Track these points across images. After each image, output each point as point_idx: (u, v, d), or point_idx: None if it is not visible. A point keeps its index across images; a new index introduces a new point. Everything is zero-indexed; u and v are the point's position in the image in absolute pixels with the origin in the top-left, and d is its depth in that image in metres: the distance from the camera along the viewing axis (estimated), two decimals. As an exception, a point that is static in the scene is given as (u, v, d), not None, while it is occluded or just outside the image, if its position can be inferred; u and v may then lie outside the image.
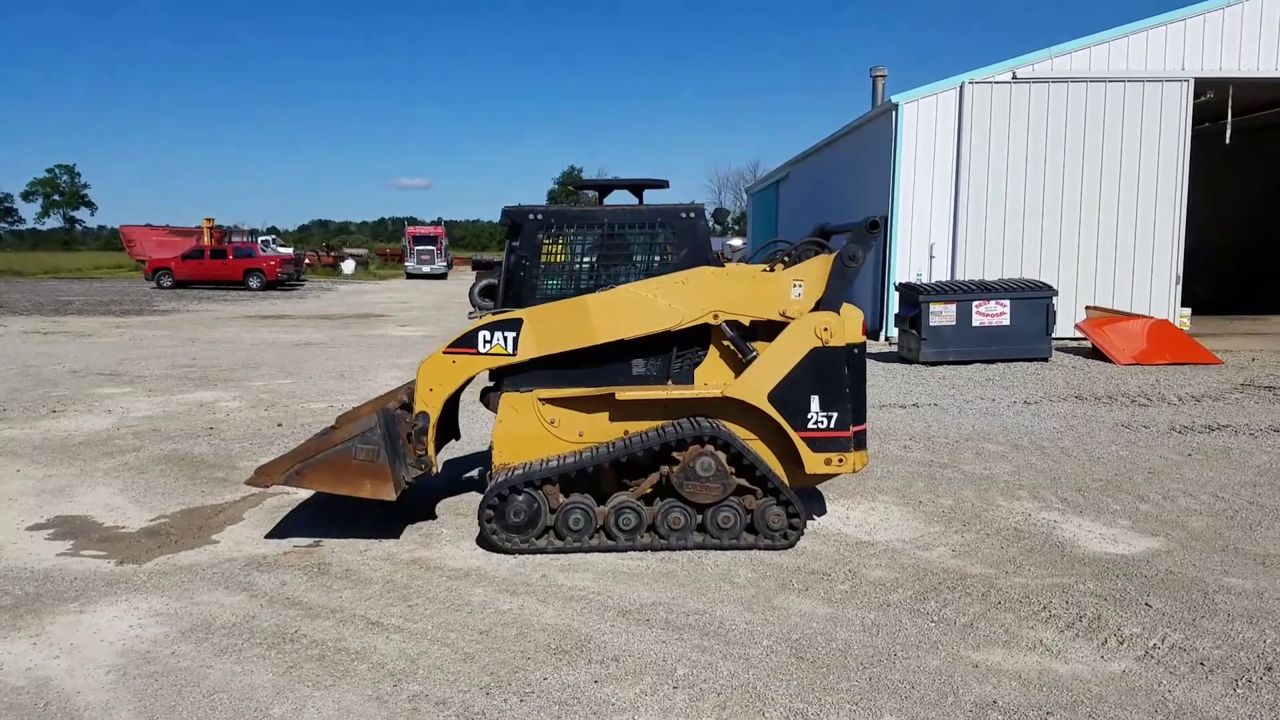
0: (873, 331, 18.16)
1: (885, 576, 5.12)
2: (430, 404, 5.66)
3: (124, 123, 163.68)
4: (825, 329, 5.50)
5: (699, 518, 5.49)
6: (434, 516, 6.16)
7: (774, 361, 5.53)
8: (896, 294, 15.35)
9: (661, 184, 6.36)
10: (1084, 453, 8.12)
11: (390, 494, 5.39)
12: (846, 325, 5.58)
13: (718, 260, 5.80)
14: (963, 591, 4.90)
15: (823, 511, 6.30)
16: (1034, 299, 14.12)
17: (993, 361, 13.97)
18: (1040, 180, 17.06)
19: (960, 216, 17.24)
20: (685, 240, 5.70)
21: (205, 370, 13.42)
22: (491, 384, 5.85)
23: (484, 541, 5.51)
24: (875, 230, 5.55)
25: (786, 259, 5.81)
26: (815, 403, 5.54)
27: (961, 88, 17.04)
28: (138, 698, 3.77)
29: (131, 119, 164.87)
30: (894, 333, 15.97)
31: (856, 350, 5.65)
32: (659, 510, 5.46)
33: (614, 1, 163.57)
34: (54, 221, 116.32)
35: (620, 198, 6.35)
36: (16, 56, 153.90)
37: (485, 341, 5.56)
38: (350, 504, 5.55)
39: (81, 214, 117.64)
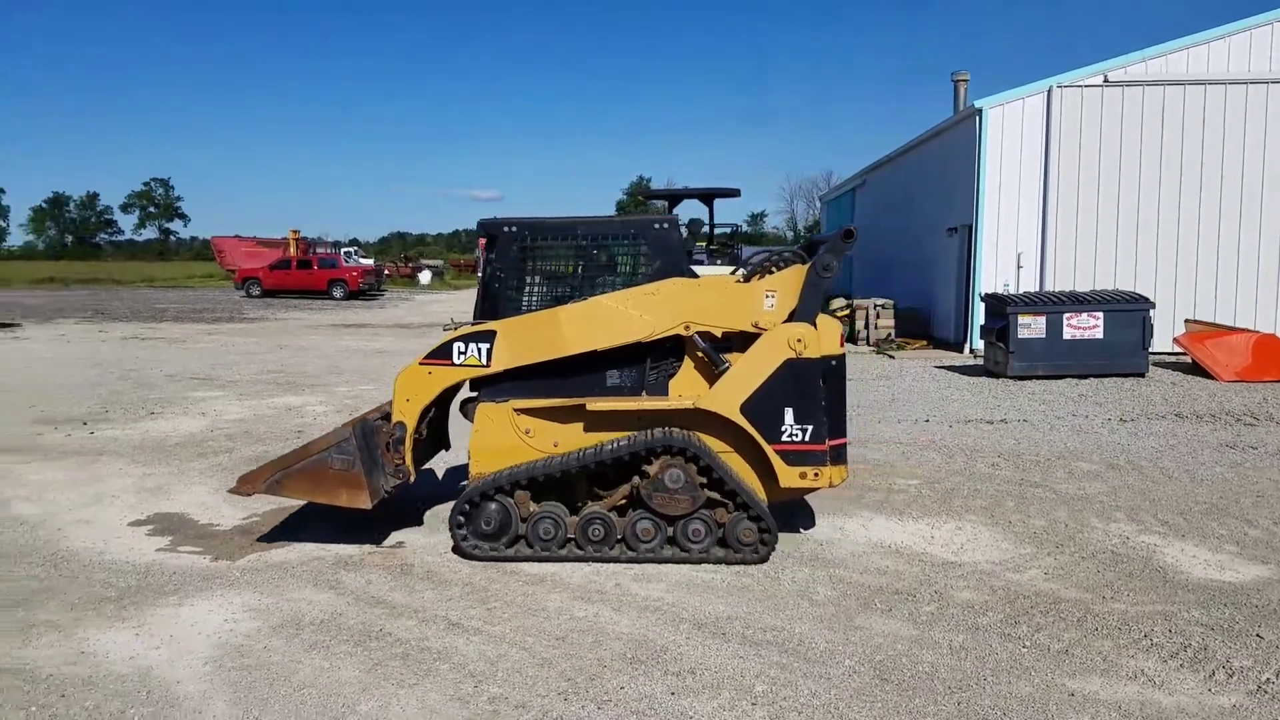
0: (957, 344, 17.79)
1: (974, 598, 4.97)
2: (407, 414, 5.73)
3: (215, 138, 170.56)
4: (799, 340, 5.40)
5: (670, 530, 5.44)
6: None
7: (746, 373, 5.46)
8: (982, 305, 14.98)
9: (733, 193, 6.31)
10: (1185, 474, 7.77)
11: (365, 503, 5.48)
12: (822, 337, 5.48)
13: (692, 272, 5.73)
14: (1057, 616, 4.72)
15: (811, 524, 6.19)
16: (1129, 311, 13.60)
17: (1085, 376, 13.52)
18: (1135, 188, 16.48)
19: (1049, 225, 16.75)
20: (659, 251, 5.67)
21: (292, 376, 13.84)
22: (473, 394, 5.89)
23: (457, 550, 5.54)
24: (850, 240, 5.44)
25: (774, 269, 5.73)
26: (789, 415, 5.45)
27: (1049, 92, 16.57)
28: (232, 689, 3.90)
29: (222, 135, 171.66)
30: (979, 345, 15.59)
31: (834, 362, 5.55)
32: (629, 521, 5.44)
33: (684, 9, 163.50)
34: (150, 232, 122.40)
35: (692, 207, 6.34)
36: (117, 75, 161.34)
37: (460, 353, 5.62)
38: (431, 507, 5.62)
39: (175, 225, 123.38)
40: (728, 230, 20.44)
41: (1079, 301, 13.76)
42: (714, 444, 5.55)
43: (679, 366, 5.66)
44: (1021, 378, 13.53)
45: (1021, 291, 15.84)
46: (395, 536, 5.95)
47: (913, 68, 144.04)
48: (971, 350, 16.93)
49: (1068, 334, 13.58)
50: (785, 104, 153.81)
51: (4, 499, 6.85)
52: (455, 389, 5.87)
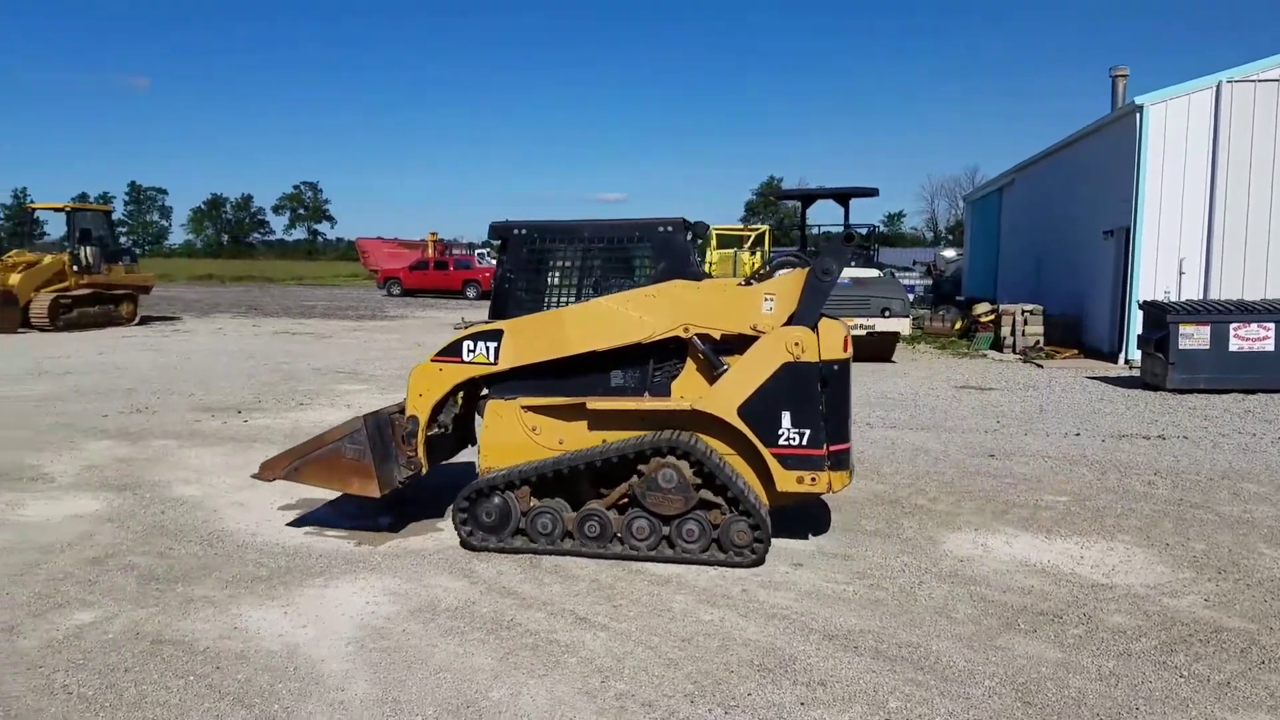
0: (1111, 353, 16.86)
1: (1126, 623, 4.67)
2: (419, 408, 5.86)
3: (362, 144, 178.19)
4: (796, 343, 5.27)
5: (665, 529, 5.39)
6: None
7: (744, 375, 5.36)
8: (1140, 313, 14.12)
9: (870, 192, 6.20)
10: (1367, 500, 7.11)
11: (374, 491, 5.65)
12: (823, 340, 5.34)
13: (696, 274, 5.65)
14: (1218, 646, 4.38)
15: (826, 529, 6.01)
16: (1304, 323, 12.56)
17: (1253, 391, 12.55)
18: (1313, 190, 15.21)
19: (1216, 229, 15.63)
20: (663, 254, 5.64)
21: (433, 370, 14.30)
22: (485, 392, 5.95)
23: (463, 543, 5.64)
24: (850, 243, 5.27)
25: (774, 273, 5.61)
26: (787, 419, 5.33)
27: (1218, 87, 15.47)
28: (373, 669, 4.05)
29: (368, 140, 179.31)
30: (1136, 355, 14.72)
31: (836, 367, 5.38)
32: (626, 519, 5.42)
33: (816, 6, 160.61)
34: (299, 233, 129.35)
35: (827, 208, 6.26)
36: (272, 84, 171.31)
37: (469, 351, 5.73)
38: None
39: (323, 226, 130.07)
40: (864, 231, 20.05)
41: (1248, 311, 12.81)
42: (718, 446, 5.53)
43: (681, 368, 5.65)
44: (1182, 391, 12.67)
45: (1183, 299, 14.84)
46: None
47: (1067, 64, 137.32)
48: (1127, 361, 15.99)
49: (1234, 345, 12.65)
50: (927, 100, 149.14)
51: (167, 481, 7.34)
52: (479, 386, 5.98)
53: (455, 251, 47.02)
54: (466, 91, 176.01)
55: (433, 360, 5.88)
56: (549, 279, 5.88)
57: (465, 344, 5.77)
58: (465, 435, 6.71)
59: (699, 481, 5.38)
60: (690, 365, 5.63)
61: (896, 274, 24.05)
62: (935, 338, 21.24)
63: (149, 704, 3.74)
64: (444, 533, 5.97)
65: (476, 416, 6.21)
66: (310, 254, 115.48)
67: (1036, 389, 13.28)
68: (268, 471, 5.94)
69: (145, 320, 23.65)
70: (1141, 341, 13.75)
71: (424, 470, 6.00)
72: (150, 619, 4.59)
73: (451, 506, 5.76)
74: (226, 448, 8.55)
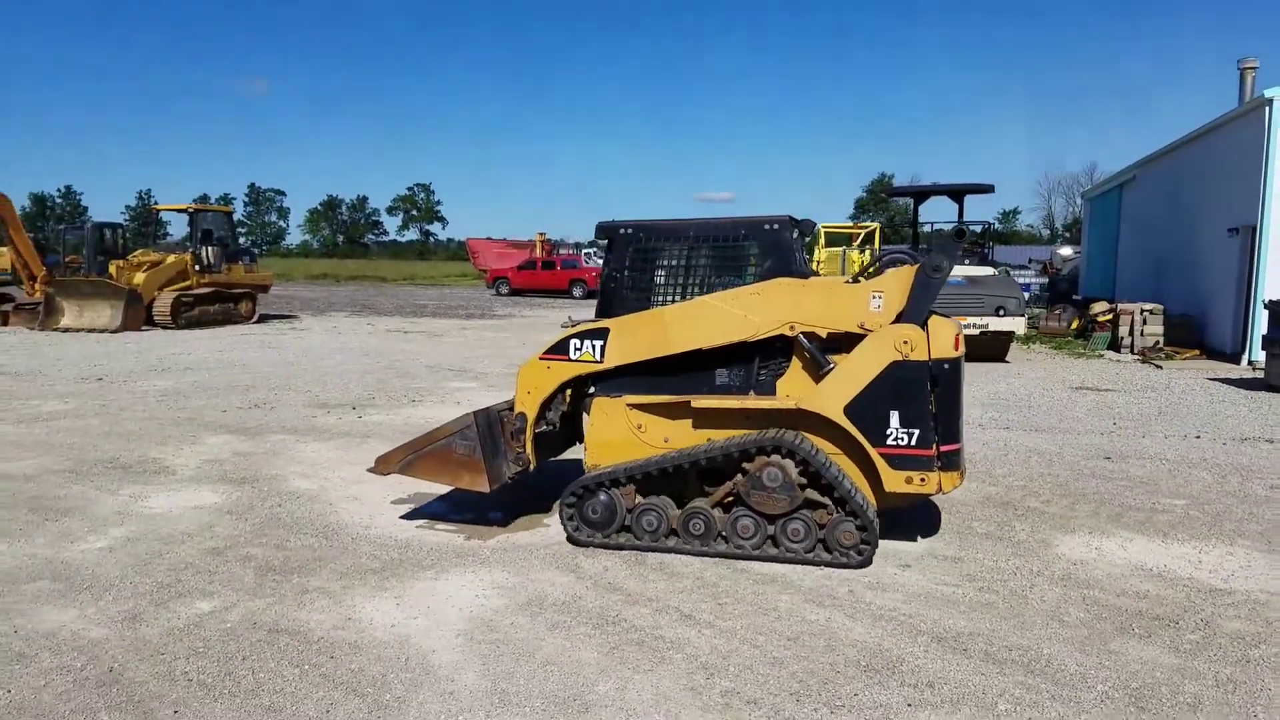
0: (1234, 355, 16.09)
1: (1245, 629, 4.51)
2: (528, 405, 5.98)
3: (469, 146, 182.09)
4: (905, 342, 5.16)
5: (770, 529, 5.36)
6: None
7: (851, 374, 5.28)
8: (1266, 313, 13.43)
9: (986, 188, 6.10)
10: None
11: (484, 486, 5.80)
12: (933, 339, 5.20)
13: (803, 271, 5.57)
14: (1345, 657, 4.20)
15: (936, 530, 5.86)
16: None
17: (1390, 395, 11.84)
18: None
19: (1350, 226, 14.76)
20: (769, 251, 5.60)
21: (536, 369, 14.58)
22: (591, 390, 6.00)
23: (570, 538, 5.72)
24: (961, 239, 5.04)
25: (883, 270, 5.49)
26: (895, 418, 5.24)
27: (1355, 75, 14.59)
28: (482, 661, 4.18)
29: (476, 142, 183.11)
30: (1260, 357, 14.01)
31: (946, 365, 5.23)
32: (730, 518, 5.40)
33: (932, 3, 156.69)
34: (411, 234, 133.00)
35: (941, 205, 6.17)
36: (387, 87, 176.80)
37: (576, 349, 5.85)
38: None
39: (434, 227, 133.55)
40: (978, 228, 19.56)
41: (1386, 309, 12.06)
42: (824, 446, 5.50)
43: (787, 367, 5.61)
44: (1312, 394, 12.03)
45: (1314, 298, 14.05)
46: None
47: (1193, 56, 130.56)
48: (1250, 362, 15.24)
49: (1372, 346, 11.92)
50: (1046, 95, 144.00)
51: (284, 474, 7.65)
52: (586, 383, 6.05)
53: (562, 251, 47.72)
54: (574, 92, 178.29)
55: (541, 358, 6.03)
56: (655, 278, 5.97)
57: (572, 342, 5.91)
58: (572, 432, 6.84)
59: (804, 481, 5.37)
60: (796, 364, 5.63)
61: (1011, 272, 23.41)
62: (1051, 337, 20.63)
63: (265, 691, 3.87)
64: (551, 529, 6.13)
65: (583, 414, 6.35)
66: (422, 254, 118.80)
67: (1155, 390, 12.77)
68: (383, 465, 6.17)
69: (263, 318, 24.63)
70: (1267, 342, 13.09)
71: (532, 466, 6.16)
72: (267, 609, 4.75)
73: (558, 502, 5.91)
74: (341, 442, 8.88)
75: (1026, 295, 22.24)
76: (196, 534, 6.01)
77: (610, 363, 5.83)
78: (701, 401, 5.69)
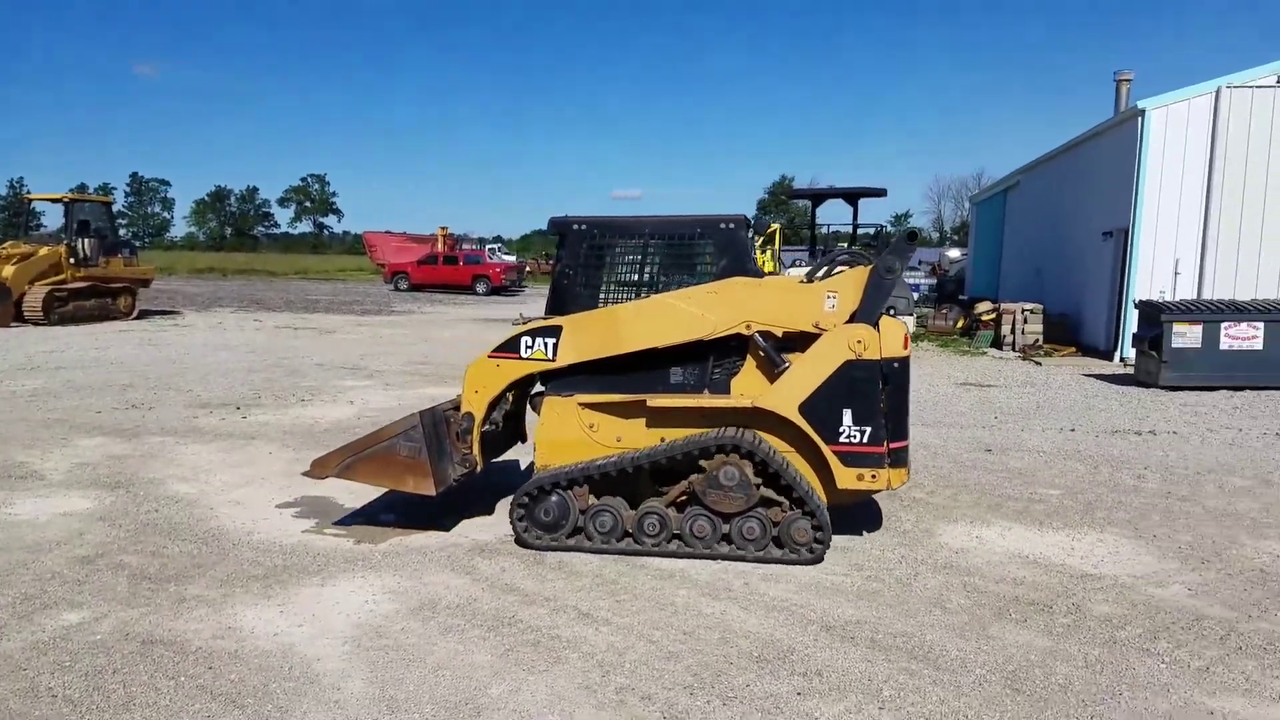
0: (1107, 352, 16.97)
1: (1112, 612, 4.77)
2: (475, 405, 5.90)
3: (367, 136, 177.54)
4: (859, 341, 5.32)
5: (725, 527, 5.42)
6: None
7: (805, 373, 5.40)
8: (1135, 312, 14.23)
9: (879, 192, 6.25)
10: (1355, 494, 7.22)
11: (430, 489, 5.65)
12: (884, 338, 5.37)
13: (757, 271, 5.69)
14: (1199, 633, 4.50)
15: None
16: (1295, 322, 12.70)
17: (1242, 388, 12.72)
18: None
19: (1211, 232, 15.78)
20: (725, 250, 5.66)
21: (436, 367, 14.39)
22: (541, 388, 5.97)
23: (519, 540, 5.66)
24: (914, 242, 5.34)
25: (836, 270, 5.63)
26: (848, 416, 5.38)
27: (1218, 92, 15.58)
28: (370, 668, 4.08)
29: (374, 132, 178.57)
30: (1130, 354, 14.83)
31: (896, 364, 5.41)
32: (686, 518, 5.45)
33: (829, 8, 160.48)
34: (305, 226, 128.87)
35: (836, 207, 6.29)
36: (278, 74, 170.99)
37: (527, 347, 5.77)
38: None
39: (329, 220, 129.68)
40: (871, 231, 20.11)
41: (1238, 311, 12.97)
42: (776, 443, 5.56)
43: (742, 365, 5.68)
44: (1174, 388, 12.81)
45: (1178, 299, 14.97)
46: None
47: (1074, 67, 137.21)
48: (1122, 359, 16.12)
49: (1225, 344, 12.79)
50: (937, 103, 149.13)
51: (162, 478, 7.32)
52: (530, 382, 6.01)
53: (466, 246, 47.01)
54: (475, 84, 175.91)
55: (490, 356, 5.92)
56: (608, 275, 5.92)
57: (524, 340, 5.81)
58: (515, 432, 6.75)
59: (760, 480, 5.41)
60: (750, 363, 5.68)
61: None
62: (938, 336, 21.39)
63: (138, 705, 3.71)
64: (447, 531, 6.04)
65: (528, 413, 6.21)
66: (316, 248, 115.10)
67: (1034, 386, 13.37)
68: (319, 469, 5.94)
69: (144, 314, 23.53)
70: (1136, 340, 13.87)
71: (479, 468, 6.03)
72: (141, 619, 4.54)
73: (510, 502, 5.76)
74: (224, 444, 8.57)
75: (915, 295, 22.99)
76: (65, 542, 5.71)
77: (564, 361, 5.76)
78: (658, 400, 5.67)
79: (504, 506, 6.42)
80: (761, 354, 5.58)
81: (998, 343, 18.99)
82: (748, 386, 5.63)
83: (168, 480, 7.24)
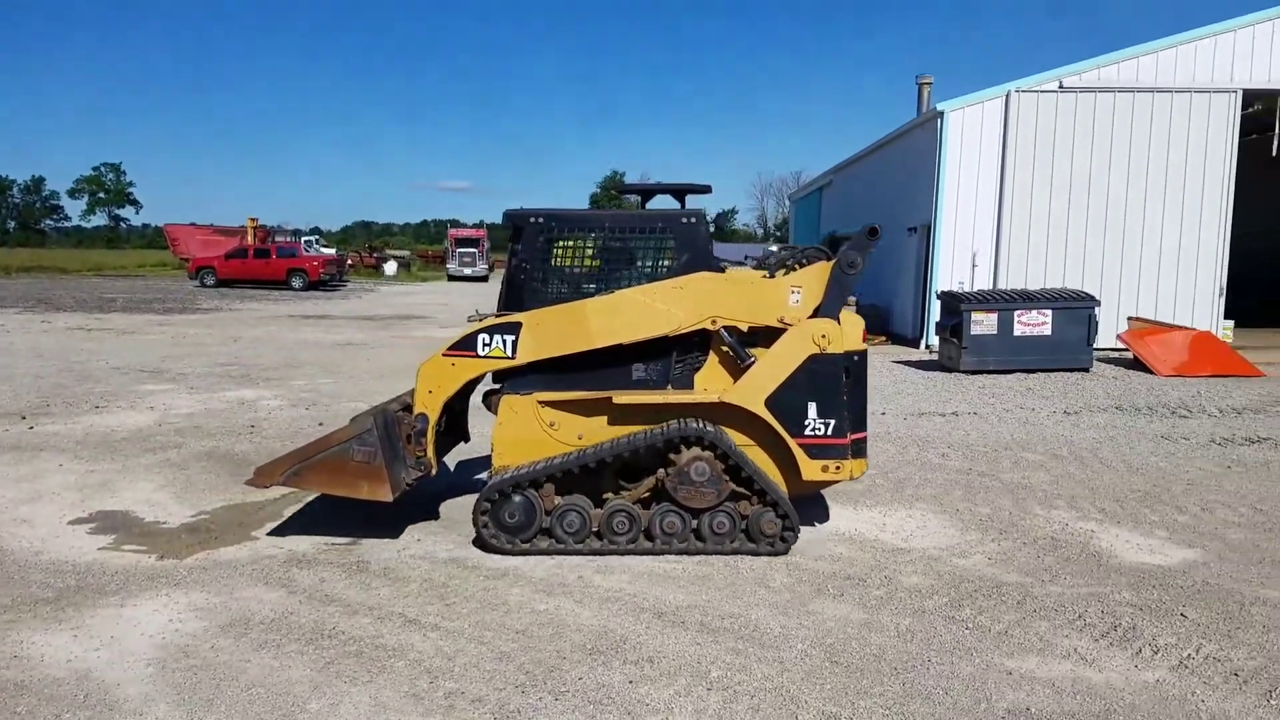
0: (914, 340, 18.05)
1: (921, 583, 5.08)
2: (429, 406, 5.71)
3: (168, 122, 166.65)
4: (823, 336, 5.50)
5: (694, 523, 5.47)
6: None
7: (771, 367, 5.53)
8: (938, 302, 15.23)
9: (704, 189, 6.36)
10: (1123, 463, 8.01)
11: (387, 495, 5.40)
12: (846, 332, 5.58)
13: (719, 266, 5.79)
14: (998, 599, 4.86)
15: (825, 518, 6.27)
16: (1076, 309, 13.97)
17: (1033, 371, 13.84)
18: (1085, 190, 16.88)
19: (1004, 226, 17.10)
20: (686, 245, 5.70)
21: (247, 369, 13.62)
22: (495, 386, 5.86)
23: (480, 543, 5.52)
24: (875, 237, 5.56)
25: (796, 266, 5.78)
26: (812, 409, 5.53)
27: (1008, 96, 16.90)
28: (176, 691, 3.82)
29: (176, 118, 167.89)
30: (935, 341, 15.85)
31: (856, 358, 5.64)
32: (655, 514, 5.45)
33: (654, 7, 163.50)
34: (99, 219, 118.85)
35: (664, 203, 6.35)
36: (69, 57, 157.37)
37: (484, 344, 5.61)
38: (389, 504, 5.53)
39: (126, 212, 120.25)
40: None
41: (1029, 299, 14.09)
42: (736, 437, 5.57)
43: (704, 361, 5.69)
44: (973, 372, 13.80)
45: (975, 289, 16.12)
46: (401, 532, 5.89)
47: (885, 70, 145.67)
48: (927, 346, 17.19)
49: (1018, 330, 13.88)
50: (758, 102, 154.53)
51: (-59, 496, 6.59)
52: (476, 381, 5.84)
53: (279, 239, 44.60)
54: (291, 65, 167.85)
55: (445, 354, 5.65)
56: (565, 270, 5.73)
57: (480, 337, 5.57)
58: (458, 432, 6.48)
59: (728, 474, 5.38)
60: (713, 358, 5.64)
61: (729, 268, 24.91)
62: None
63: None
64: (259, 541, 5.72)
65: (467, 414, 5.92)
66: (112, 242, 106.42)
67: (847, 373, 14.04)
68: (263, 478, 5.51)
69: (-92, 321, 21.17)
70: (939, 328, 14.86)
71: (434, 471, 5.76)
72: None
73: (474, 505, 5.49)
74: (7, 458, 7.80)
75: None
76: None
77: (523, 358, 5.56)
78: (623, 397, 5.55)
79: (410, 512, 6.15)
80: (726, 349, 5.59)
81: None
82: (711, 382, 5.63)
83: (-63, 501, 6.50)
